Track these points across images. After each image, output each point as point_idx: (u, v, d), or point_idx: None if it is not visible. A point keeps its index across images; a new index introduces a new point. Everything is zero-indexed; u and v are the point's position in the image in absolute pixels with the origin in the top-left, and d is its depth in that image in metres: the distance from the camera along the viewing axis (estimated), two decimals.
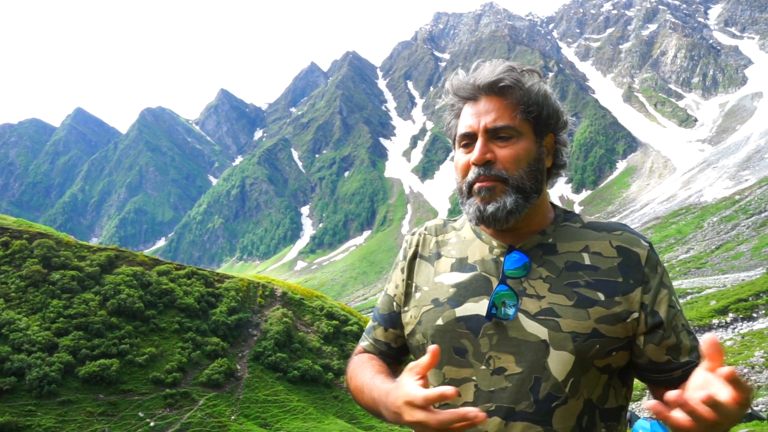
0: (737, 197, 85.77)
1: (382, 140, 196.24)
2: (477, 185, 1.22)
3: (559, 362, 1.15)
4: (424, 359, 1.05)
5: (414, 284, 1.36)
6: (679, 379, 1.17)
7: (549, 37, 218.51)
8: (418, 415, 1.02)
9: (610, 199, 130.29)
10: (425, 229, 1.43)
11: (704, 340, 0.93)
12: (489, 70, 1.23)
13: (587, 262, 1.21)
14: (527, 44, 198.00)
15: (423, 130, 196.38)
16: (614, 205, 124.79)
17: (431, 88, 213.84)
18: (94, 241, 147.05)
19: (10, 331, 24.48)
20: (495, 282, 1.23)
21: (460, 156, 1.27)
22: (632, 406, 17.65)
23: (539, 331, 1.16)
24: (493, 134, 1.22)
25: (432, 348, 1.05)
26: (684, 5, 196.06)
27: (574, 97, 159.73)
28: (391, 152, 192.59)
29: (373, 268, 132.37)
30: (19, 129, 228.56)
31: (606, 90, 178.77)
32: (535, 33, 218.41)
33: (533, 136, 1.24)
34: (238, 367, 28.73)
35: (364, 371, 1.34)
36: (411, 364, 1.08)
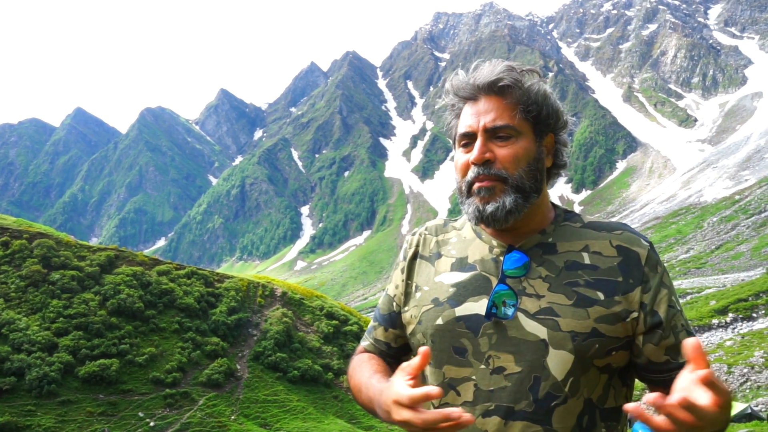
0: (737, 197, 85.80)
1: (382, 140, 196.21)
2: (476, 185, 1.23)
3: (558, 362, 1.15)
4: (416, 360, 1.07)
5: (414, 284, 1.36)
6: None
7: (549, 37, 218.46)
8: (405, 414, 1.04)
9: (610, 199, 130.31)
10: (425, 229, 1.43)
11: (686, 342, 0.93)
12: (488, 70, 1.24)
13: (587, 261, 1.21)
14: (527, 44, 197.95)
15: (423, 130, 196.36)
16: (614, 205, 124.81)
17: (431, 88, 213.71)
18: (94, 241, 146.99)
19: (10, 331, 24.49)
20: (495, 281, 1.24)
21: (459, 156, 1.28)
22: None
23: (538, 330, 1.17)
24: (492, 134, 1.22)
25: (422, 350, 1.06)
26: (684, 5, 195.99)
27: (574, 97, 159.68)
28: (391, 152, 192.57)
29: (373, 268, 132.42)
30: (19, 129, 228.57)
31: (606, 90, 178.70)
32: (535, 33, 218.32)
33: (533, 136, 1.24)
34: (238, 367, 28.73)
35: (362, 371, 1.35)
36: (404, 365, 1.10)
